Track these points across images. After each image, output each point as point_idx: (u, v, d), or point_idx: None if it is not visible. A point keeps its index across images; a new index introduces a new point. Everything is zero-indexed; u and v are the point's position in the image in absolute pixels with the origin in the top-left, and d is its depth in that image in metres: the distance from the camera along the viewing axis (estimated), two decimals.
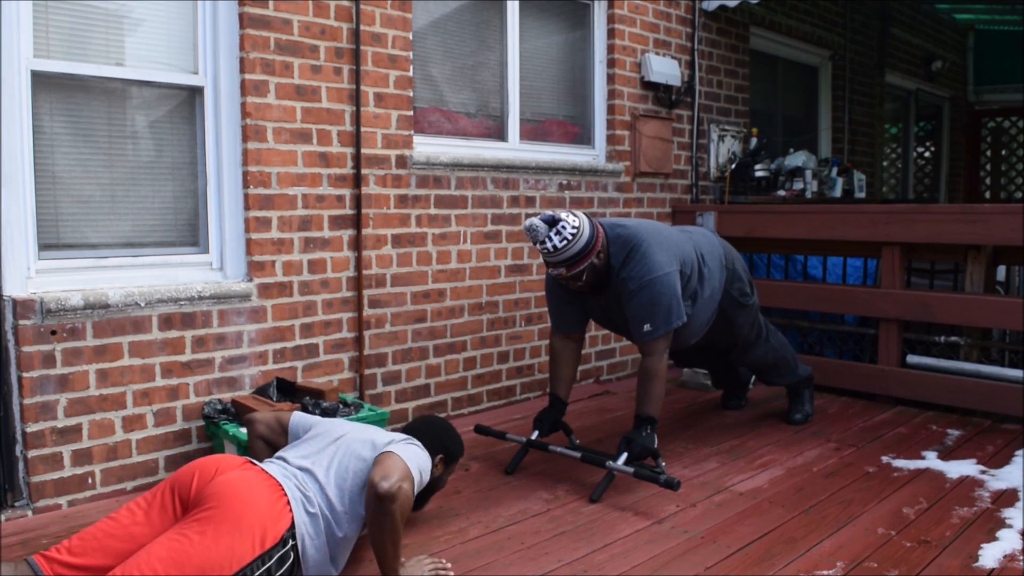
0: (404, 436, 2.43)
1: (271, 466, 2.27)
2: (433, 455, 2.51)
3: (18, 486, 2.76)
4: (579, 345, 3.37)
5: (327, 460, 2.31)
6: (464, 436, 3.67)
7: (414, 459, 2.30)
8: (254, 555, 2.02)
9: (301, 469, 2.28)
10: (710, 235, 3.54)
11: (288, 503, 2.15)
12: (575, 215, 3.00)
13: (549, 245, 2.93)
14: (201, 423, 3.15)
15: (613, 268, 3.09)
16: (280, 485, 2.18)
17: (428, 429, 2.58)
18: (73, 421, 2.85)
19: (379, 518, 2.13)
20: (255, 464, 2.26)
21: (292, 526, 2.13)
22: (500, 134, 4.34)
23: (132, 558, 1.98)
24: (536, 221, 2.94)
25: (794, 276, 5.17)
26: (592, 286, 3.11)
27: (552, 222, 2.95)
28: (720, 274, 3.39)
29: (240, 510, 2.05)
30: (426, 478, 2.37)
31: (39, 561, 2.04)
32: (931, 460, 3.39)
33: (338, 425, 2.48)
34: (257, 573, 2.03)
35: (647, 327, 3.01)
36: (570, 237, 2.93)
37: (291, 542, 2.11)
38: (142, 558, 1.96)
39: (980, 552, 2.50)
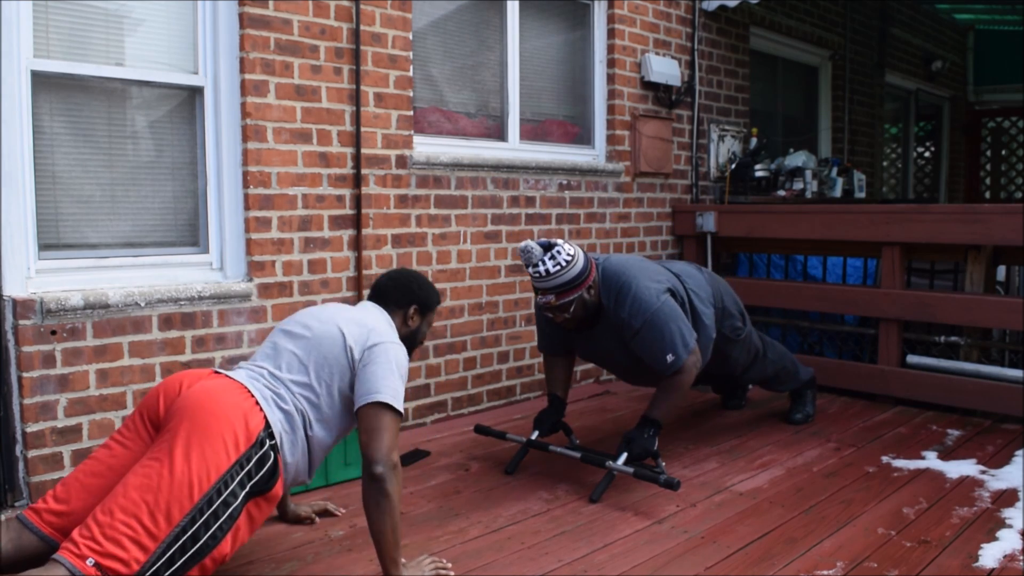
0: (372, 342, 2.30)
1: (237, 372, 2.25)
2: (406, 307, 2.49)
3: (18, 486, 2.76)
4: (570, 355, 3.37)
5: (300, 356, 2.28)
6: (464, 436, 3.69)
7: (394, 368, 2.25)
8: (230, 461, 2.00)
9: (265, 368, 2.25)
10: (695, 272, 3.41)
11: (257, 403, 2.12)
12: (571, 244, 2.97)
13: (542, 268, 2.88)
14: None
15: (606, 308, 3.04)
16: (246, 387, 2.15)
17: (396, 284, 2.54)
18: (73, 421, 2.85)
19: (376, 499, 2.11)
20: (220, 372, 2.24)
21: (267, 426, 2.10)
22: (500, 134, 4.34)
23: (110, 493, 1.98)
24: (531, 243, 2.90)
25: (794, 276, 5.17)
26: (578, 323, 3.06)
27: (548, 247, 2.92)
28: (710, 312, 3.29)
29: (207, 420, 2.03)
30: (404, 373, 2.31)
31: (29, 516, 2.08)
32: (931, 460, 3.39)
33: (302, 321, 2.40)
34: (237, 478, 2.01)
35: (670, 358, 2.94)
36: (564, 263, 2.88)
37: (268, 442, 2.09)
38: (119, 491, 1.95)
39: (980, 552, 2.50)
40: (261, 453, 2.08)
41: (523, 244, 2.91)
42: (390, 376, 2.24)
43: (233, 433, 2.04)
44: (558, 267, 2.89)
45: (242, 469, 2.02)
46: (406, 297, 2.52)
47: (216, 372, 2.25)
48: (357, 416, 2.24)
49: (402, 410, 2.24)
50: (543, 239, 2.97)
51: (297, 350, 2.30)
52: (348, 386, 2.27)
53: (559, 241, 2.96)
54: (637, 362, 3.12)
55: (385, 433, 2.16)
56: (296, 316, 2.46)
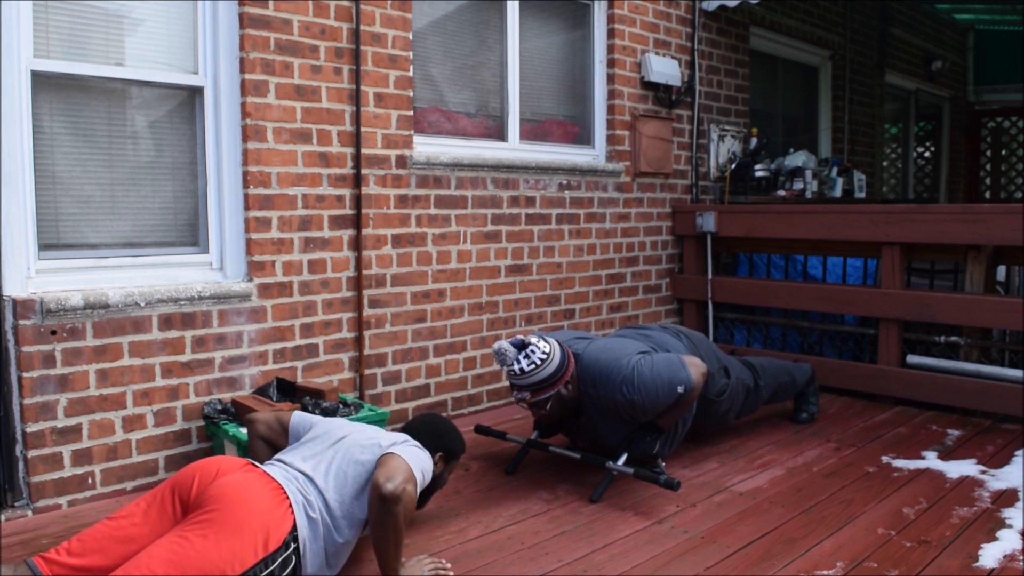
0: (405, 437, 2.43)
1: (272, 468, 2.26)
2: (433, 453, 2.51)
3: (18, 486, 2.76)
4: None
5: (326, 464, 2.30)
6: (464, 436, 3.68)
7: (416, 460, 2.29)
8: (257, 558, 2.01)
9: (301, 472, 2.27)
10: (674, 341, 3.32)
11: (290, 506, 2.14)
12: (547, 341, 2.92)
13: (516, 368, 2.86)
14: (201, 423, 3.15)
15: (590, 396, 3.00)
16: (282, 488, 2.17)
17: (427, 428, 2.58)
18: (73, 421, 2.85)
19: (382, 519, 2.13)
20: (256, 466, 2.25)
21: (294, 529, 2.12)
22: (500, 134, 4.34)
23: (132, 559, 1.97)
24: (505, 344, 2.88)
25: (794, 276, 5.17)
26: (557, 418, 3.04)
27: (521, 346, 2.89)
28: None
29: (242, 513, 2.04)
30: (428, 478, 2.37)
31: (38, 563, 2.04)
32: (931, 460, 3.39)
33: (338, 426, 2.47)
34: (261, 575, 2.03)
35: (681, 388, 2.88)
36: (539, 362, 2.85)
37: (293, 545, 2.11)
38: (143, 559, 1.95)
39: (980, 552, 2.50)
40: (285, 555, 2.10)
41: (496, 346, 2.88)
42: (412, 460, 2.27)
43: (264, 531, 2.05)
44: (533, 366, 2.85)
45: (266, 568, 2.03)
46: (434, 442, 2.54)
47: (252, 464, 2.26)
48: (376, 467, 2.25)
49: (416, 488, 2.24)
50: (517, 337, 2.92)
51: (330, 455, 2.33)
52: (366, 483, 2.29)
53: (533, 339, 2.91)
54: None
55: (402, 472, 2.18)
56: (330, 420, 2.52)
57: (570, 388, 2.97)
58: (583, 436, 3.24)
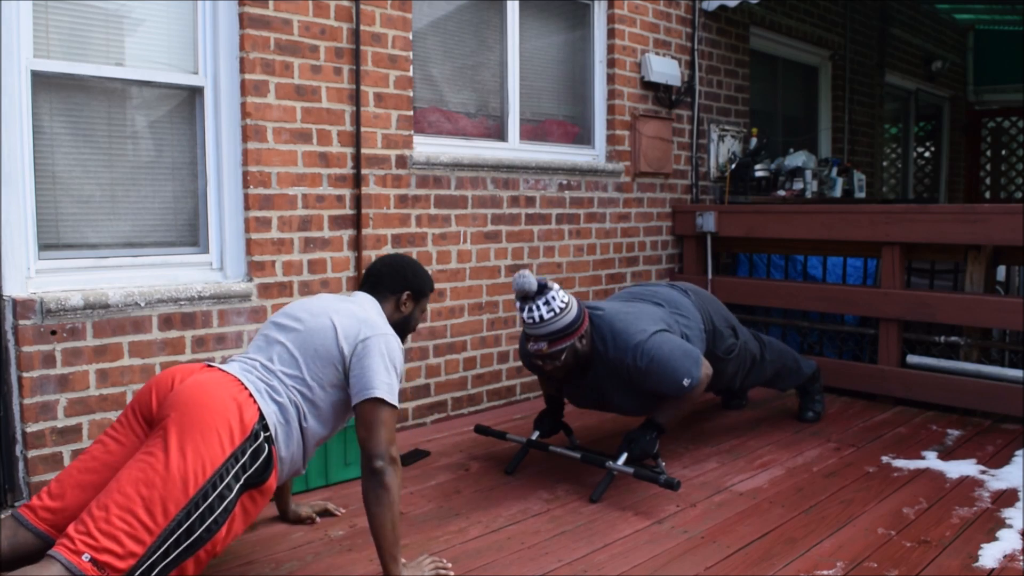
0: (364, 335, 2.28)
1: (230, 365, 2.25)
2: (400, 293, 2.49)
3: (18, 486, 2.76)
4: None
5: (290, 348, 2.27)
6: (464, 436, 3.69)
7: (386, 362, 2.24)
8: (225, 455, 2.00)
9: (258, 361, 2.25)
10: (682, 299, 3.33)
11: (251, 395, 2.12)
12: (564, 291, 2.92)
13: (536, 315, 2.83)
14: None
15: (600, 354, 2.99)
16: (239, 380, 2.15)
17: (390, 270, 2.53)
18: (73, 421, 2.85)
19: (376, 492, 2.12)
20: (212, 366, 2.23)
21: (261, 417, 2.10)
22: (500, 134, 4.34)
23: (105, 488, 1.97)
24: (528, 275, 2.82)
25: (794, 276, 5.17)
26: (568, 372, 3.01)
27: (543, 288, 2.86)
28: (702, 348, 3.24)
29: (201, 414, 2.02)
30: (400, 368, 2.31)
31: (24, 513, 2.08)
32: (931, 460, 3.39)
33: (293, 313, 2.39)
34: (232, 471, 2.01)
35: (687, 382, 2.88)
36: (558, 310, 2.84)
37: (263, 434, 2.09)
38: (113, 486, 1.95)
39: (980, 552, 2.50)
40: (256, 445, 2.08)
41: (518, 276, 2.84)
42: (383, 370, 2.23)
43: (228, 426, 2.03)
44: (552, 313, 2.84)
45: (237, 462, 2.02)
46: (399, 283, 2.51)
47: (208, 366, 2.24)
48: (355, 412, 2.24)
49: (397, 403, 2.24)
50: (540, 276, 2.90)
51: (289, 343, 2.30)
52: (342, 379, 2.27)
53: (555, 285, 2.90)
54: (641, 398, 3.06)
55: (382, 428, 2.17)
56: (288, 308, 2.44)
57: (584, 343, 2.95)
58: (586, 396, 3.21)
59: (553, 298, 2.86)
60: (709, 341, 3.32)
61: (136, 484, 1.93)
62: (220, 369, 2.21)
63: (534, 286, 2.84)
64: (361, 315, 2.35)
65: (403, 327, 2.53)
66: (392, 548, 2.15)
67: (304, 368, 2.25)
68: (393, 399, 2.23)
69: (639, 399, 3.07)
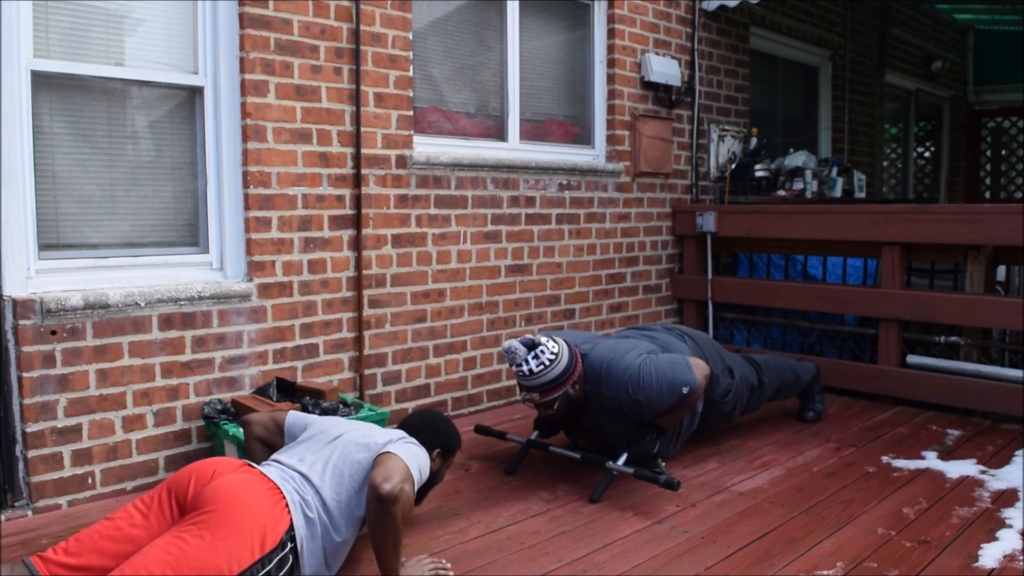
0: (401, 434, 2.42)
1: (269, 468, 2.26)
2: (430, 450, 2.50)
3: (18, 486, 2.76)
4: None
5: (323, 463, 2.30)
6: (464, 436, 3.68)
7: (413, 458, 2.29)
8: (253, 559, 2.01)
9: (298, 472, 2.27)
10: (679, 343, 3.34)
11: (287, 506, 2.14)
12: (555, 342, 2.94)
13: (525, 368, 2.88)
14: (201, 423, 3.15)
15: (594, 395, 3.03)
16: (278, 488, 2.17)
17: (425, 424, 2.58)
18: (73, 421, 2.85)
19: (381, 519, 2.13)
20: (253, 467, 2.25)
21: (291, 528, 2.12)
22: (500, 134, 4.34)
23: (129, 560, 1.97)
24: (515, 343, 2.90)
25: (794, 276, 5.17)
26: (564, 417, 3.07)
27: (531, 345, 2.91)
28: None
29: (238, 513, 2.04)
30: (425, 475, 2.36)
31: (35, 562, 2.04)
32: (931, 460, 3.39)
33: (334, 424, 2.47)
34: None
35: (686, 389, 2.91)
36: (547, 362, 2.88)
37: (290, 545, 2.11)
38: (139, 560, 1.95)
39: (980, 552, 2.50)
40: (282, 555, 2.09)
41: (506, 345, 2.90)
42: (409, 458, 2.26)
43: (261, 531, 2.05)
44: (541, 367, 2.88)
45: (263, 567, 2.03)
46: (433, 439, 2.54)
47: (248, 465, 2.26)
48: (372, 467, 2.24)
49: (414, 486, 2.22)
50: (527, 336, 2.94)
51: (326, 454, 2.33)
52: (364, 481, 2.28)
53: (543, 339, 2.93)
54: (644, 426, 3.07)
55: (399, 472, 2.17)
56: (330, 419, 2.51)
57: (577, 388, 2.99)
58: (586, 434, 3.25)
59: (542, 351, 2.89)
60: (708, 386, 3.29)
61: (163, 566, 1.93)
62: (259, 471, 2.22)
63: (521, 352, 2.88)
64: (398, 435, 2.41)
65: (429, 482, 2.55)
66: (393, 562, 2.19)
67: (334, 483, 2.26)
68: (413, 474, 2.22)
69: (637, 426, 3.07)
